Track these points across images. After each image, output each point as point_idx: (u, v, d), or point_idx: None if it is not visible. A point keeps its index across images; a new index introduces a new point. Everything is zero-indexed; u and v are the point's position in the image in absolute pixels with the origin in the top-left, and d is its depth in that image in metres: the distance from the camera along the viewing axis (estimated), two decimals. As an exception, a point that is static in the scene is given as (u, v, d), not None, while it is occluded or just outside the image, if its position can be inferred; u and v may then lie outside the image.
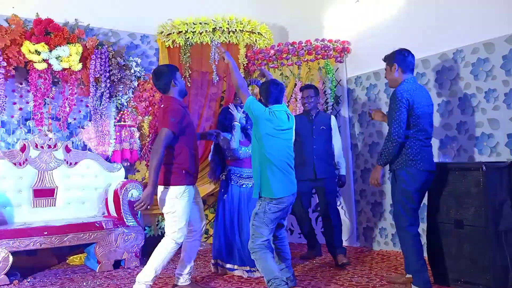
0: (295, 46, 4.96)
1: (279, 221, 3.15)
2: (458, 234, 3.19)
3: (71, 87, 4.49)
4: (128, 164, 4.81)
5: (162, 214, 4.76)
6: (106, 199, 4.45)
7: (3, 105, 4.11)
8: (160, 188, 3.11)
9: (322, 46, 4.90)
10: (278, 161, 3.01)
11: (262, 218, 2.98)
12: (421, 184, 3.13)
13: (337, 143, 4.27)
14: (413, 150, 3.11)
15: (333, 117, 4.33)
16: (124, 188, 4.19)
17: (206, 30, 5.10)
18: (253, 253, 2.99)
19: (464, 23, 3.82)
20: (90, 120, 4.72)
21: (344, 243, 4.39)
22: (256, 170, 3.06)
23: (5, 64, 4.06)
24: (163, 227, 4.81)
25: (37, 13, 4.27)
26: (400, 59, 3.23)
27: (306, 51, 4.93)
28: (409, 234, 3.14)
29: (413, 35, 4.20)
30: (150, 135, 4.88)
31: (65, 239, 3.82)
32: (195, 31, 5.10)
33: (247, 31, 5.22)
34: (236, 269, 3.70)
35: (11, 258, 3.61)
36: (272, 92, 3.15)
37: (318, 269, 3.89)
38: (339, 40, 4.99)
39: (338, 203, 4.88)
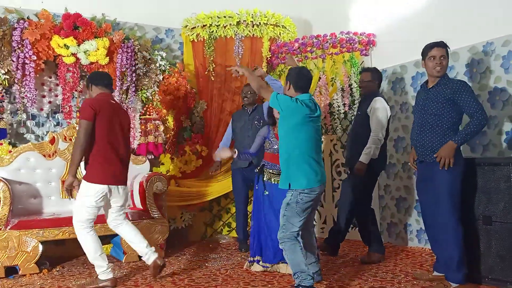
0: (320, 39, 4.93)
1: (310, 212, 3.13)
2: (487, 230, 3.13)
3: (98, 80, 4.56)
4: (153, 157, 4.87)
5: (186, 207, 4.85)
6: (132, 191, 4.52)
7: (33, 98, 4.21)
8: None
9: (347, 39, 4.85)
10: (309, 151, 2.96)
11: (294, 208, 2.94)
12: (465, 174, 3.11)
13: (371, 126, 3.84)
14: None
15: (376, 99, 3.86)
16: (149, 180, 4.24)
17: (230, 24, 5.12)
18: (282, 243, 2.96)
19: (495, 14, 3.72)
20: (116, 113, 4.79)
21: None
22: (285, 161, 3.01)
23: (35, 58, 4.15)
24: (187, 220, 4.88)
25: (65, 8, 4.36)
26: None
27: (331, 44, 4.89)
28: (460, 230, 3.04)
29: (442, 27, 4.11)
30: (175, 129, 4.93)
31: (92, 229, 3.91)
32: (219, 25, 5.12)
33: (271, 24, 5.21)
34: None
35: (40, 248, 3.71)
36: (301, 80, 3.09)
37: (342, 264, 3.87)
38: (364, 33, 4.93)
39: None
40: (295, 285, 2.92)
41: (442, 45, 3.18)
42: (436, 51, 3.15)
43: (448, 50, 3.19)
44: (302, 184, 2.93)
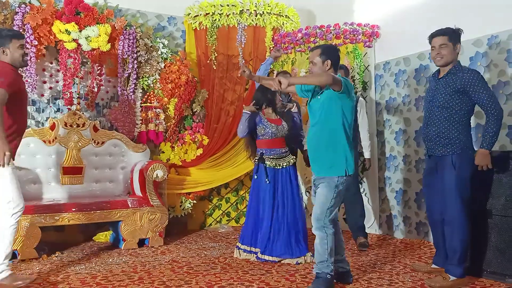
0: (323, 29, 4.89)
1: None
2: (487, 223, 3.13)
3: (99, 67, 4.54)
4: (153, 145, 4.87)
5: (185, 195, 4.84)
6: (132, 179, 4.51)
7: (34, 83, 4.19)
8: None
9: (351, 30, 4.82)
10: (351, 136, 2.89)
11: (342, 192, 2.85)
12: (474, 170, 3.00)
13: (360, 125, 4.08)
14: (470, 135, 3.04)
15: (362, 100, 4.16)
16: (149, 168, 4.24)
17: (233, 12, 5.08)
18: (325, 228, 2.81)
19: (500, 7, 3.68)
20: (117, 101, 4.78)
21: (366, 230, 4.30)
22: (333, 145, 2.83)
23: (37, 43, 4.11)
24: (187, 208, 4.87)
25: (67, -7, 4.32)
26: (460, 40, 3.09)
27: (334, 35, 4.85)
28: (467, 226, 2.99)
29: (446, 20, 4.03)
30: (176, 117, 4.92)
31: (92, 216, 3.91)
32: (222, 13, 5.08)
33: (274, 14, 5.18)
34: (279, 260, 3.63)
35: (40, 233, 3.71)
36: (339, 58, 2.94)
37: (341, 254, 3.88)
38: (368, 24, 4.89)
39: (362, 190, 4.80)
40: (320, 271, 2.83)
41: (440, 33, 3.06)
42: (435, 40, 3.07)
43: (453, 35, 3.04)
44: (352, 168, 2.85)
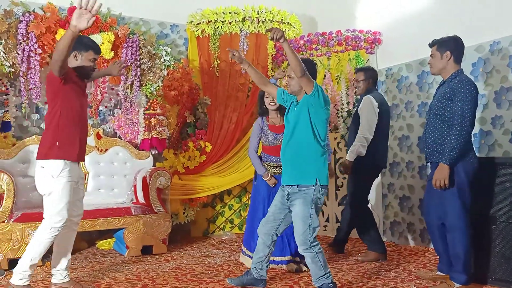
0: (325, 36, 4.91)
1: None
2: (491, 230, 3.12)
3: (102, 75, 4.55)
4: (157, 152, 4.88)
5: (188, 201, 4.84)
6: (135, 186, 4.52)
7: (38, 91, 4.21)
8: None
9: (353, 36, 4.84)
10: (324, 147, 2.88)
11: (318, 205, 2.81)
12: (473, 178, 3.00)
13: (360, 125, 3.84)
14: (470, 142, 3.02)
15: (364, 98, 3.86)
16: (153, 175, 4.24)
17: (235, 20, 5.11)
18: (313, 247, 2.77)
19: (502, 13, 3.70)
20: (120, 108, 4.80)
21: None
22: (309, 155, 2.81)
23: (41, 51, 4.14)
24: (190, 215, 4.87)
25: (71, 1, 4.35)
26: (456, 47, 3.06)
27: (336, 41, 4.87)
28: (468, 233, 2.97)
29: (448, 26, 4.08)
30: (179, 124, 4.92)
31: (95, 223, 3.91)
32: (225, 21, 5.11)
33: (276, 21, 5.21)
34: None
35: (44, 240, 3.71)
36: (316, 71, 2.96)
37: (345, 262, 3.87)
38: (370, 31, 4.92)
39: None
40: (321, 284, 2.80)
41: (431, 43, 3.16)
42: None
43: (441, 44, 3.08)
44: (325, 179, 2.83)
